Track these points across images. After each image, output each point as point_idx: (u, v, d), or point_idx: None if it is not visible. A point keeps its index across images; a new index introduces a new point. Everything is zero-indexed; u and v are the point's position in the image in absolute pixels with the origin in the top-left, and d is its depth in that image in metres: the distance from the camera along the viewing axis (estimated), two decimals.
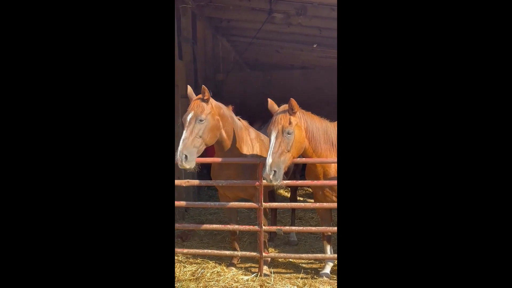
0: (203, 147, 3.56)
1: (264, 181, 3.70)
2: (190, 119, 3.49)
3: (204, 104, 3.55)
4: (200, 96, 3.63)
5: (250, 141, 4.07)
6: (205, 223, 5.81)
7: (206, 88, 3.58)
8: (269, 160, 3.32)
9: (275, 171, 3.32)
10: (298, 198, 6.10)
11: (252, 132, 4.22)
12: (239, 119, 4.12)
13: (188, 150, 3.40)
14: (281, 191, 7.23)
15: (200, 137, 3.50)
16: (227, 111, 3.87)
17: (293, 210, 5.27)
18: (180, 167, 3.42)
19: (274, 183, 3.36)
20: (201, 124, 3.49)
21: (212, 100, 3.66)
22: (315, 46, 8.55)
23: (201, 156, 7.23)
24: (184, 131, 3.47)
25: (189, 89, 3.75)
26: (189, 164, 3.41)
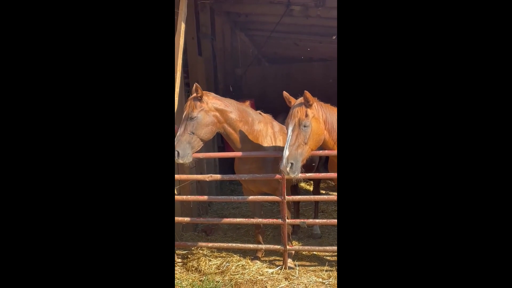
0: (198, 143, 3.69)
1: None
2: (183, 118, 3.67)
3: (196, 102, 3.67)
4: (194, 95, 3.72)
5: (273, 134, 4.07)
6: (228, 217, 5.85)
7: (198, 86, 3.68)
8: (285, 153, 3.33)
9: (292, 164, 3.32)
10: (320, 191, 6.08)
11: (276, 125, 4.22)
12: (260, 113, 4.13)
13: (181, 147, 3.55)
14: (303, 185, 7.21)
15: (193, 133, 3.64)
16: (236, 105, 3.90)
17: (316, 203, 5.26)
18: (177, 162, 3.59)
19: (292, 175, 3.36)
20: (193, 121, 3.63)
21: (210, 97, 3.76)
22: (334, 37, 8.45)
23: (222, 151, 7.29)
24: (179, 128, 3.64)
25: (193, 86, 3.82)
26: (184, 159, 3.58)
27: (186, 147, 3.59)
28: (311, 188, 6.89)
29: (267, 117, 4.22)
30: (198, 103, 3.67)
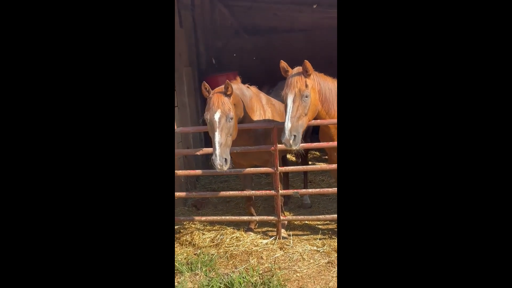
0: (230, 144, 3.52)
1: (279, 146, 3.70)
2: (220, 119, 3.38)
3: (227, 99, 3.45)
4: (220, 89, 3.52)
5: (262, 107, 4.02)
6: (217, 190, 5.85)
7: (229, 83, 3.47)
8: (288, 125, 3.27)
9: (295, 136, 3.29)
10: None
11: (263, 97, 4.16)
12: (248, 87, 4.05)
13: (226, 153, 3.38)
14: (289, 156, 7.24)
15: (230, 135, 3.46)
16: (239, 90, 3.78)
17: (305, 173, 5.30)
18: (218, 171, 3.40)
19: (294, 147, 3.33)
20: (231, 122, 3.43)
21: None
22: (315, 6, 8.33)
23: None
24: (217, 134, 3.35)
25: (205, 84, 3.59)
26: (228, 166, 3.39)
27: (228, 152, 3.39)
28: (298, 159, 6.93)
29: (254, 90, 4.15)
30: (229, 100, 3.45)
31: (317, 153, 7.20)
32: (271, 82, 6.03)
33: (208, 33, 8.56)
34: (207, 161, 6.99)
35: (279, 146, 3.71)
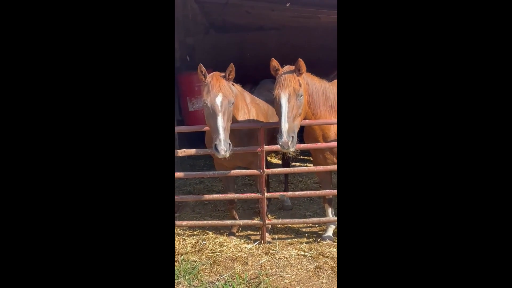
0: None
1: (266, 147, 3.57)
2: (222, 102, 3.22)
3: (227, 82, 3.33)
4: (218, 73, 3.38)
5: (246, 106, 3.86)
6: (192, 193, 5.66)
7: (233, 66, 3.33)
8: (285, 126, 3.11)
9: (292, 137, 3.15)
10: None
11: (248, 96, 4.00)
12: (232, 84, 3.88)
13: (228, 138, 3.22)
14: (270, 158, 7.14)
15: (230, 121, 3.31)
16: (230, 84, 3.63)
17: (286, 175, 5.18)
18: (221, 157, 3.21)
19: (291, 149, 3.19)
20: (232, 107, 3.30)
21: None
22: (288, 5, 8.25)
23: (181, 124, 6.88)
24: (219, 118, 3.18)
25: (201, 67, 3.40)
26: (229, 152, 3.22)
27: (228, 137, 3.20)
28: (274, 160, 6.83)
29: (239, 88, 3.98)
30: (229, 84, 3.31)
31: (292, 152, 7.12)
32: (244, 80, 5.90)
33: (180, 29, 8.32)
34: (181, 163, 6.76)
35: (266, 147, 3.58)
